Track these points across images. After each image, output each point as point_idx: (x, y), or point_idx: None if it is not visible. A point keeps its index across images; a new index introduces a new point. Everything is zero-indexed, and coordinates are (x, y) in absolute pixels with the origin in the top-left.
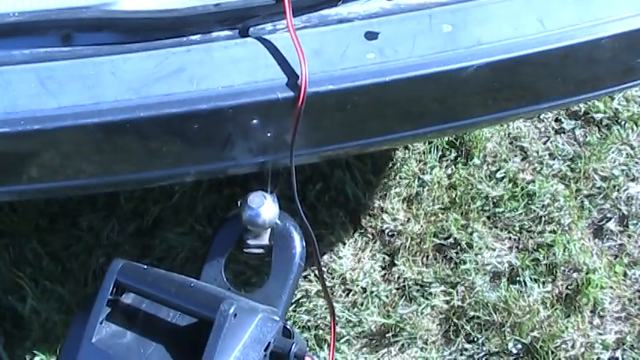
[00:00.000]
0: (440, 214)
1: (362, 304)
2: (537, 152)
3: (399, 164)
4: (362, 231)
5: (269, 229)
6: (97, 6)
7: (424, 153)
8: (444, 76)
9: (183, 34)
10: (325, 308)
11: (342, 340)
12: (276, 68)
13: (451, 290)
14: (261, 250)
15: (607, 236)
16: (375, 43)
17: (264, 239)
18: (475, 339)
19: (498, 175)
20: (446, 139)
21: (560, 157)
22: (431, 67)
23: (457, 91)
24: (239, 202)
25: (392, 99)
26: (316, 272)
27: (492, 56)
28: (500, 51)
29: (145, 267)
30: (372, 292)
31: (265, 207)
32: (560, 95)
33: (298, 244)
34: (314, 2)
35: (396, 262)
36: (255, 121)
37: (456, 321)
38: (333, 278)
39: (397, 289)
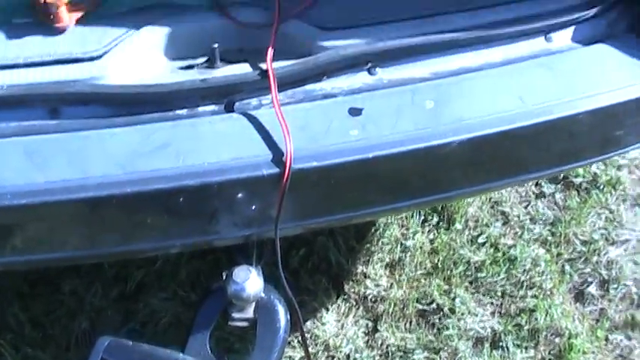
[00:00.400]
0: (422, 280)
1: None
2: (518, 217)
3: (381, 230)
4: (345, 297)
5: (254, 302)
6: (85, 80)
7: (406, 218)
8: (426, 152)
9: (169, 108)
10: None
11: None
12: (262, 144)
13: (434, 356)
14: (245, 324)
15: (588, 300)
16: (358, 119)
17: (249, 312)
18: None
19: (480, 240)
20: None
21: (540, 222)
22: (413, 143)
23: (440, 165)
24: (224, 275)
25: (376, 174)
26: (300, 339)
27: (474, 132)
28: (482, 127)
29: (131, 343)
30: (355, 358)
31: (250, 281)
32: (541, 167)
33: (283, 317)
34: (299, 77)
35: (379, 327)
36: (240, 196)
37: None
38: (316, 345)
39: (380, 355)
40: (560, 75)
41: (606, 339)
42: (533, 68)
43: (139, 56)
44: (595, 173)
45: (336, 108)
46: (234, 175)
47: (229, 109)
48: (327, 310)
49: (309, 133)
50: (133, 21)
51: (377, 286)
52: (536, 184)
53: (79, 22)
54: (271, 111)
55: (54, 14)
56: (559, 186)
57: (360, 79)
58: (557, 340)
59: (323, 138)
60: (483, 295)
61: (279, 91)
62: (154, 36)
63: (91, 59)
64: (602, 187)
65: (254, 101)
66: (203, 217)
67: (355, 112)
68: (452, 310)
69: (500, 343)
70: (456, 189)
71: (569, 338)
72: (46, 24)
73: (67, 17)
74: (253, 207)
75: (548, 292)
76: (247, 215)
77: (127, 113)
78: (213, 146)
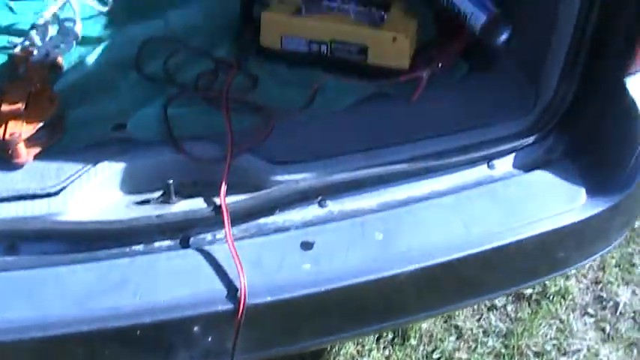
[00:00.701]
0: None
1: None
2: (471, 330)
3: (336, 348)
4: None
5: None
6: (43, 216)
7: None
8: (377, 283)
9: (126, 244)
10: None
11: None
12: (217, 280)
13: None
14: None
15: None
16: (310, 253)
17: None
18: None
19: (435, 355)
20: None
21: (493, 334)
22: (365, 275)
23: (392, 294)
24: None
25: (329, 306)
26: None
27: (422, 262)
28: (429, 257)
29: None
30: None
31: None
32: (490, 290)
33: None
34: (251, 212)
35: None
36: (197, 331)
37: None
38: None
39: None
40: (503, 202)
41: None
42: (477, 196)
43: (96, 191)
44: (545, 284)
45: (289, 242)
46: (190, 311)
47: (185, 244)
48: None
49: (263, 268)
50: (90, 156)
51: None
52: None
53: (36, 157)
54: (225, 246)
55: (12, 150)
56: (510, 298)
57: (312, 211)
58: None
59: (276, 272)
60: None
61: (233, 225)
62: (111, 171)
63: (49, 195)
64: (551, 297)
65: (208, 236)
66: (161, 352)
67: (307, 246)
68: None
69: None
70: (409, 315)
71: None
72: (3, 159)
73: (25, 153)
74: (210, 341)
75: None
76: (205, 349)
77: (85, 249)
78: (169, 282)
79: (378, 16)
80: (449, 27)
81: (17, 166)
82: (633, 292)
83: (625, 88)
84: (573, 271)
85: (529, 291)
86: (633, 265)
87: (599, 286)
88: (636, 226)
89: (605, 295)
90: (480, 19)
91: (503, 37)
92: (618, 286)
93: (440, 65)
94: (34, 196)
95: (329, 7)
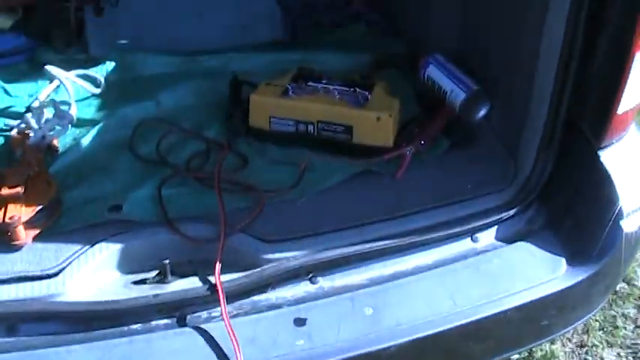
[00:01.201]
0: None
1: None
2: None
3: None
4: None
5: None
6: (43, 298)
7: None
8: (369, 356)
9: (125, 323)
10: None
11: None
12: (214, 358)
13: None
14: None
15: None
16: (303, 330)
17: None
18: None
19: None
20: None
21: None
22: (356, 349)
23: None
24: None
25: None
26: None
27: (411, 335)
28: (418, 330)
29: None
30: None
31: None
32: (479, 357)
33: None
34: (245, 290)
35: None
36: None
37: None
38: None
39: None
40: (487, 274)
41: None
42: (462, 269)
43: (94, 272)
44: (530, 349)
45: (282, 319)
46: None
47: (182, 323)
48: None
49: (258, 345)
50: (87, 237)
51: None
52: None
53: (35, 239)
54: (221, 324)
55: (12, 232)
56: None
57: (303, 288)
58: None
59: (271, 349)
60: None
61: (228, 303)
62: (108, 251)
63: (48, 277)
64: None
65: (205, 314)
66: None
67: (300, 322)
68: None
69: None
70: None
71: None
72: (3, 242)
73: (24, 235)
74: None
75: None
76: None
77: (84, 329)
78: None
79: (362, 96)
80: (430, 104)
81: (16, 248)
82: (618, 355)
83: (599, 160)
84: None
85: (515, 357)
86: (617, 327)
87: (585, 350)
88: (618, 288)
89: (590, 359)
90: (460, 96)
91: (482, 113)
92: (603, 349)
93: (422, 142)
94: (33, 278)
95: (315, 88)
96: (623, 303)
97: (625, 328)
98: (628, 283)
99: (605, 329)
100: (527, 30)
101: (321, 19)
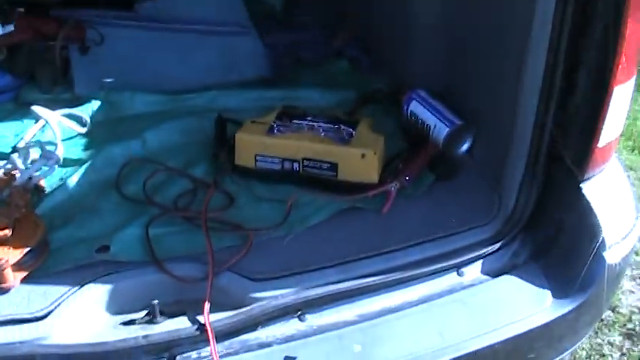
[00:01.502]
0: None
1: None
2: None
3: None
4: None
5: None
6: (32, 341)
7: None
8: None
9: None
10: None
11: None
12: None
13: None
14: None
15: None
16: None
17: None
18: None
19: None
20: None
21: None
22: None
23: None
24: None
25: None
26: None
27: None
28: None
29: None
30: None
31: None
32: None
33: None
34: (234, 329)
35: None
36: None
37: None
38: None
39: None
40: (474, 308)
41: None
42: (448, 304)
43: (82, 313)
44: None
45: (272, 358)
46: None
47: None
48: None
49: None
50: (75, 278)
51: None
52: None
53: (23, 280)
54: None
55: (0, 275)
56: None
57: (293, 326)
58: None
59: None
60: None
61: (218, 342)
62: (96, 292)
63: (37, 319)
64: None
65: (194, 354)
66: None
67: None
68: None
69: None
70: None
71: None
72: None
73: (12, 277)
74: None
75: None
76: None
77: None
78: None
79: (347, 132)
80: (414, 139)
81: (4, 291)
82: None
83: (582, 192)
84: None
85: None
86: (603, 355)
87: None
88: (603, 316)
89: None
90: (443, 131)
91: (465, 147)
92: None
93: (407, 178)
94: (21, 321)
95: (299, 125)
96: (609, 331)
97: (611, 356)
98: (613, 310)
99: (591, 358)
100: (509, 65)
101: (304, 56)
